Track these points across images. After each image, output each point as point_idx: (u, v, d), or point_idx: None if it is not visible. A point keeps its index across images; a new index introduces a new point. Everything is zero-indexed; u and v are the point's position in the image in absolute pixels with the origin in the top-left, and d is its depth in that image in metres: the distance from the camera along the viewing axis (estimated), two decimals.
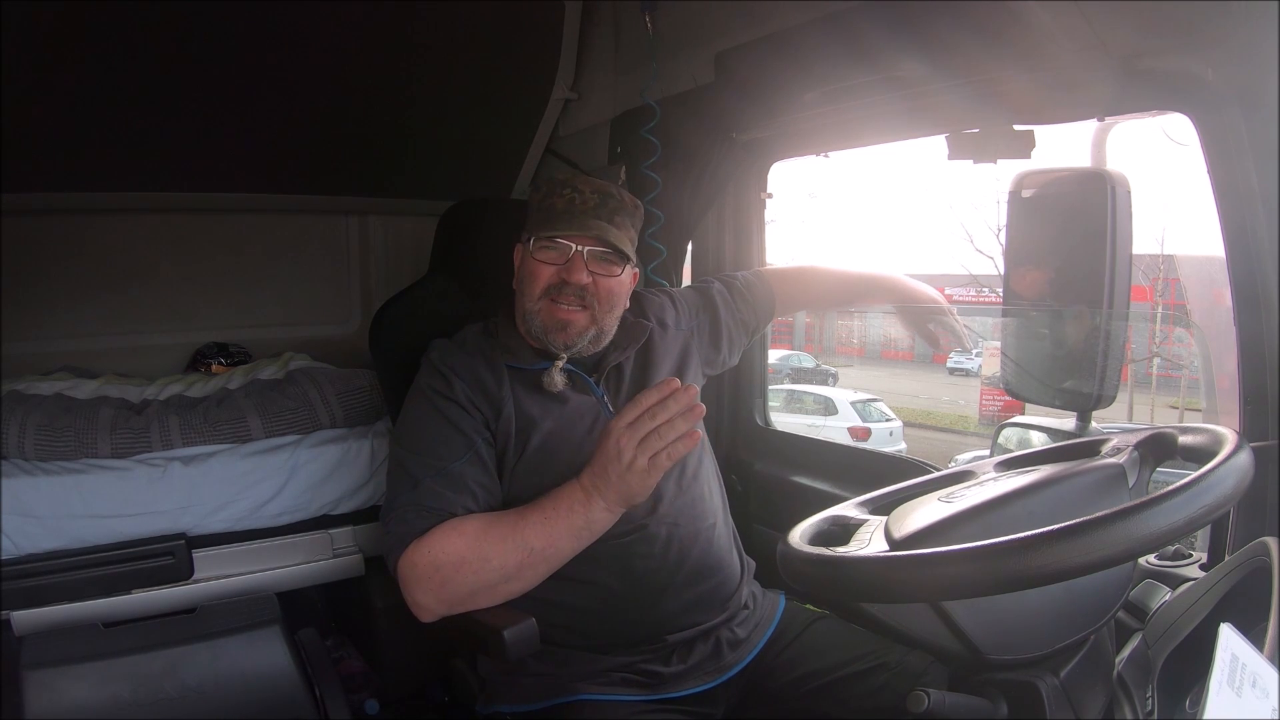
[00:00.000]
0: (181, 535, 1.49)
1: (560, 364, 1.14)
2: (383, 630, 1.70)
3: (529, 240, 1.13)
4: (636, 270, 1.20)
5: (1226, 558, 0.81)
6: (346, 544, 1.63)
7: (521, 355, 1.15)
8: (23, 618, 1.36)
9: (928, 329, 1.41)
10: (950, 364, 8.10)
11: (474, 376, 1.11)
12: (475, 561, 1.00)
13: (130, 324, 1.98)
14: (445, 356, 1.14)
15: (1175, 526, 0.57)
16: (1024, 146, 1.11)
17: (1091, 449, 0.84)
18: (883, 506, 0.84)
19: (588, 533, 1.01)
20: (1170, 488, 0.58)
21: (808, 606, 1.23)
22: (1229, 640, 0.55)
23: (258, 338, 2.09)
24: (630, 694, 1.07)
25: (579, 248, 1.11)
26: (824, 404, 7.26)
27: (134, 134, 1.61)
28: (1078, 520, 0.56)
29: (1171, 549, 0.95)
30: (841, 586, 0.68)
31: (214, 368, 1.99)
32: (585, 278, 1.11)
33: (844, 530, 0.79)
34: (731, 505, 1.26)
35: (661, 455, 0.95)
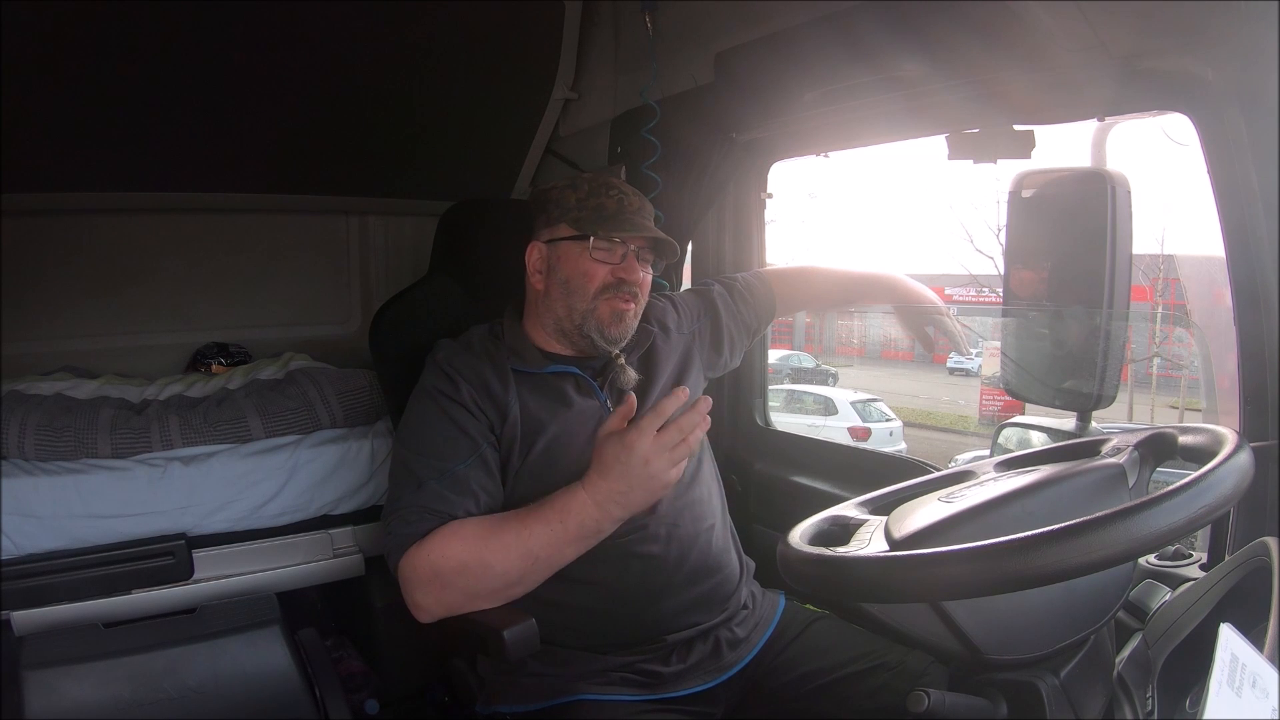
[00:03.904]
0: (181, 535, 1.48)
1: (621, 360, 1.17)
2: (383, 630, 1.70)
3: (588, 240, 1.13)
4: None
5: (1226, 558, 0.81)
6: (346, 544, 1.63)
7: (529, 358, 1.15)
8: (23, 618, 1.36)
9: (924, 331, 1.41)
10: (950, 364, 8.09)
11: (480, 379, 1.11)
12: (476, 568, 1.00)
13: (130, 324, 1.98)
14: (451, 358, 1.14)
15: (1175, 526, 0.57)
16: (1024, 146, 1.11)
17: (1091, 449, 0.84)
18: (883, 506, 0.84)
19: (595, 539, 1.02)
20: (1170, 488, 0.58)
21: (808, 606, 1.23)
22: (1229, 640, 0.55)
23: (258, 338, 2.09)
24: (630, 694, 1.07)
25: (633, 247, 1.14)
26: (824, 404, 7.26)
27: (134, 134, 1.61)
28: (1078, 520, 0.56)
29: (1171, 549, 0.95)
30: (841, 586, 0.68)
31: (214, 368, 1.99)
32: (640, 275, 1.15)
33: (844, 530, 0.79)
34: (731, 505, 1.26)
35: (681, 466, 0.99)
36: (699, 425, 0.98)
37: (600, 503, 0.99)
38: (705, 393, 1.31)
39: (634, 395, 1.05)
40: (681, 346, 1.28)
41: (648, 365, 1.22)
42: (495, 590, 1.01)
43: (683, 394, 0.99)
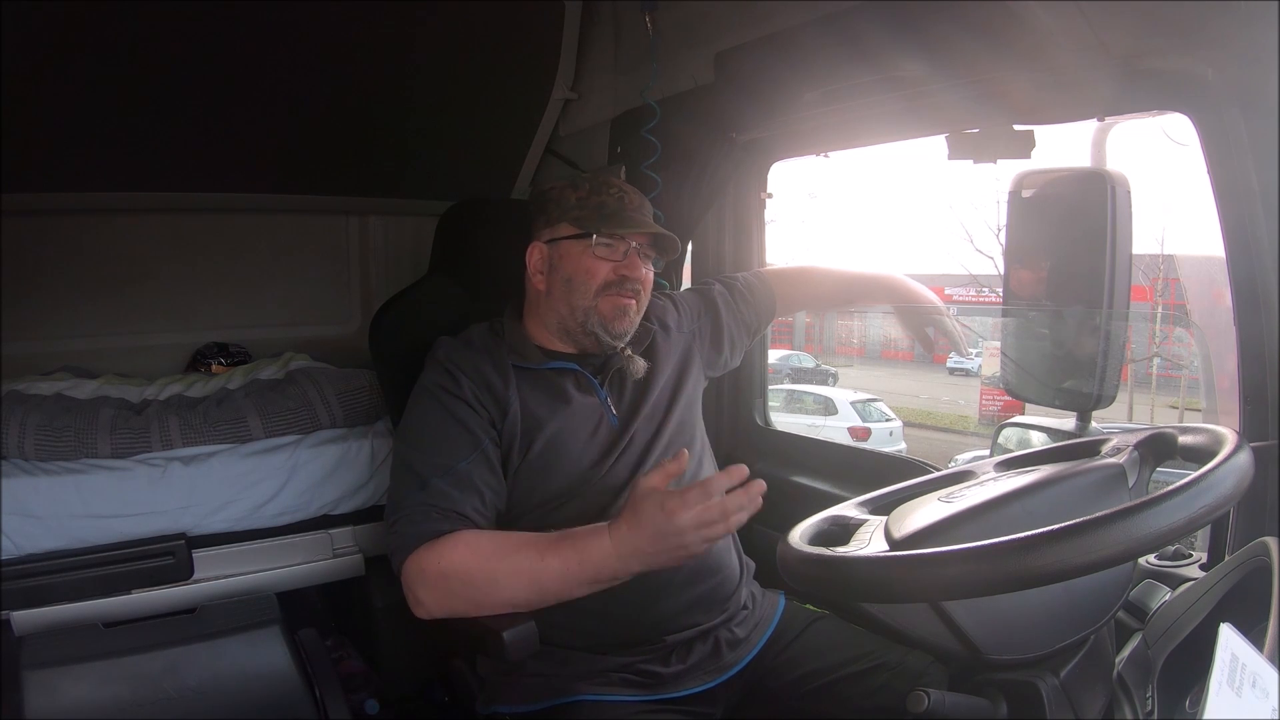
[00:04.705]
0: (181, 535, 1.48)
1: (628, 352, 1.17)
2: (383, 630, 1.70)
3: (590, 238, 1.13)
4: None
5: (1226, 558, 0.81)
6: (346, 544, 1.63)
7: (529, 355, 1.15)
8: (23, 618, 1.35)
9: (924, 331, 1.41)
10: (950, 364, 8.08)
11: (481, 375, 1.11)
12: (483, 583, 0.99)
13: (130, 324, 1.98)
14: (452, 354, 1.14)
15: (1175, 526, 0.57)
16: (1024, 146, 1.12)
17: (1091, 449, 0.84)
18: (883, 506, 0.84)
19: (608, 584, 0.98)
20: (1170, 488, 0.58)
21: (808, 606, 1.23)
22: (1229, 640, 0.55)
23: (258, 338, 2.09)
24: (630, 694, 1.07)
25: (634, 244, 1.15)
26: (824, 404, 7.26)
27: (134, 134, 1.61)
28: (1078, 520, 0.56)
29: (1171, 549, 0.95)
30: (841, 586, 0.68)
31: (214, 368, 1.99)
32: (643, 272, 1.15)
33: (844, 530, 0.79)
34: None
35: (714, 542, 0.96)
36: (745, 509, 0.93)
37: (623, 556, 0.95)
38: (705, 392, 1.32)
39: (686, 452, 0.99)
40: (682, 345, 1.28)
41: (648, 363, 1.22)
42: (497, 606, 1.00)
43: (737, 472, 0.94)
